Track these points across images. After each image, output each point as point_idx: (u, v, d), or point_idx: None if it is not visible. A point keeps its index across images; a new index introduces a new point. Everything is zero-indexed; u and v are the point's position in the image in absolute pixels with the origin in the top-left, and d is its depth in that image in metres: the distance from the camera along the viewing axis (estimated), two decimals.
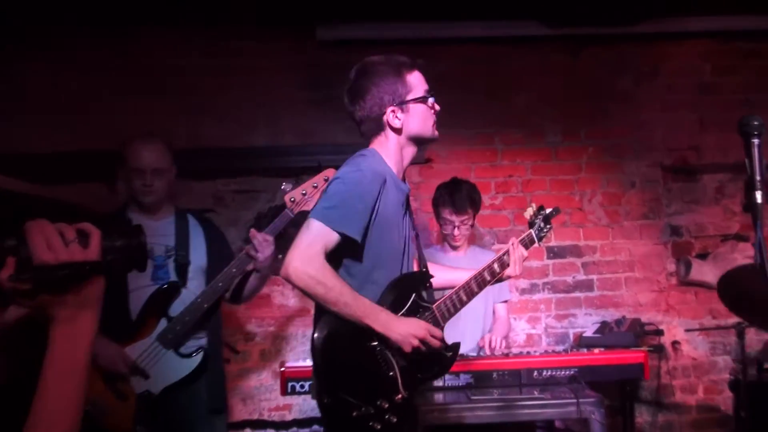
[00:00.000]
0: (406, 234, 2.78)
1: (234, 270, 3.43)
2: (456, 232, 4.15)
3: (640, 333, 4.42)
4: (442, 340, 2.71)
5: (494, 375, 3.74)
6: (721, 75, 5.39)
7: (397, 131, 2.72)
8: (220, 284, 3.42)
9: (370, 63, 2.74)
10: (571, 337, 5.13)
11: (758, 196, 2.25)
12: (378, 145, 2.74)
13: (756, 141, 2.29)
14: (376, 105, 2.69)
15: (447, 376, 3.67)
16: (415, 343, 2.58)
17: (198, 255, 3.57)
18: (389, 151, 2.72)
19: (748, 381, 4.04)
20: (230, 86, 5.08)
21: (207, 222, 3.78)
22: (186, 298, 3.42)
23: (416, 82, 2.72)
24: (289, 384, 3.68)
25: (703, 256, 5.25)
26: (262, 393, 4.97)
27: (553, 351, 4.07)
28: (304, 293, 2.52)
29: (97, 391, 3.24)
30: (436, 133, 2.80)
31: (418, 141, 2.78)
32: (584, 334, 4.34)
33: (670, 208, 5.33)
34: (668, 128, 5.33)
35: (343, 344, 2.55)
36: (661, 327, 4.88)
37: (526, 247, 3.06)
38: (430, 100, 2.74)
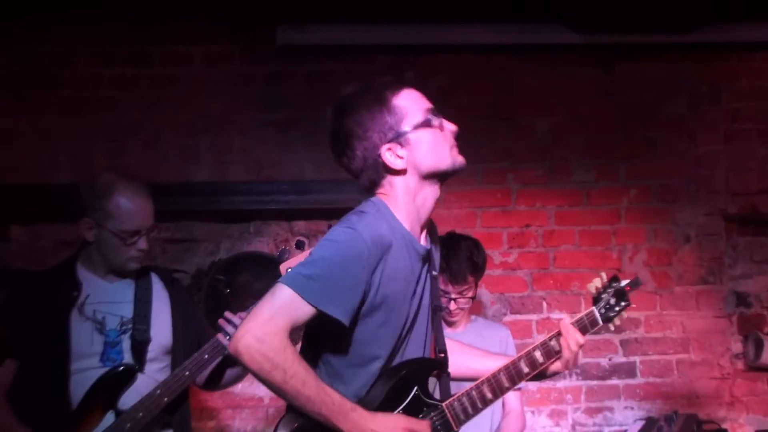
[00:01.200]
0: (418, 309, 2.73)
1: (206, 356, 3.42)
2: (452, 306, 4.11)
3: None
4: None
5: None
6: None
7: (402, 173, 2.67)
8: (187, 373, 3.40)
9: (346, 97, 2.71)
10: None
11: None
12: (384, 196, 2.69)
13: None
14: (368, 149, 2.64)
15: None
16: None
17: (161, 330, 3.55)
18: (398, 202, 2.67)
19: None
20: (164, 102, 5.09)
21: (175, 285, 3.75)
22: (142, 386, 3.39)
23: (409, 104, 2.68)
24: None
25: None
26: None
27: None
28: (257, 378, 2.46)
29: None
30: (460, 159, 2.72)
31: (438, 176, 2.71)
32: None
33: (736, 269, 5.34)
34: (733, 166, 5.36)
35: None
36: (724, 426, 4.86)
37: (584, 331, 2.82)
38: (436, 120, 2.68)
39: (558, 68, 5.32)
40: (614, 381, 5.19)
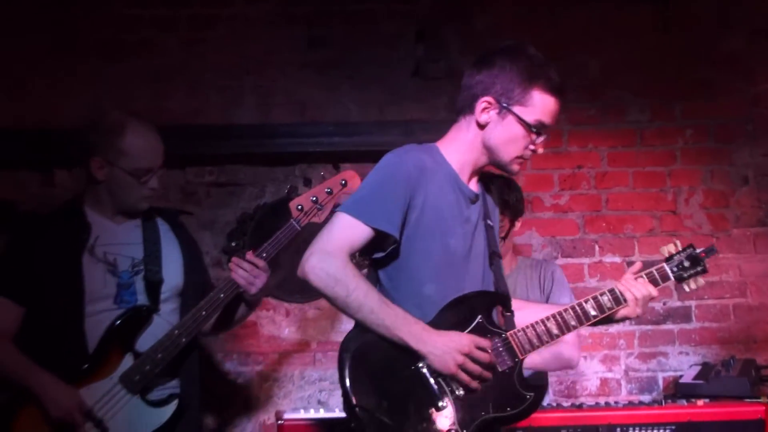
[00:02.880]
0: (470, 250, 2.91)
1: (222, 296, 3.43)
2: None
3: (756, 379, 4.32)
4: (518, 370, 2.80)
5: None
6: None
7: (480, 126, 2.89)
8: (204, 313, 3.40)
9: (520, 49, 2.91)
10: (661, 383, 5.07)
11: None
12: (455, 130, 2.96)
13: None
14: (484, 84, 2.86)
15: None
16: (459, 359, 2.67)
17: (172, 271, 3.55)
18: (460, 144, 2.92)
19: None
20: (205, 44, 5.05)
21: (181, 228, 3.76)
22: (156, 328, 3.40)
23: (540, 105, 2.84)
24: None
25: None
26: None
27: (639, 402, 4.03)
28: (323, 296, 2.72)
29: None
30: (515, 168, 2.94)
31: (491, 157, 2.92)
32: (680, 380, 4.27)
33: None
34: None
35: (379, 361, 2.70)
36: None
37: (656, 284, 3.00)
38: (536, 133, 2.86)
39: (610, 3, 5.20)
40: (669, 326, 5.14)
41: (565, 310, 2.92)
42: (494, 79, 2.84)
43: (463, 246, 2.88)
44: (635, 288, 2.95)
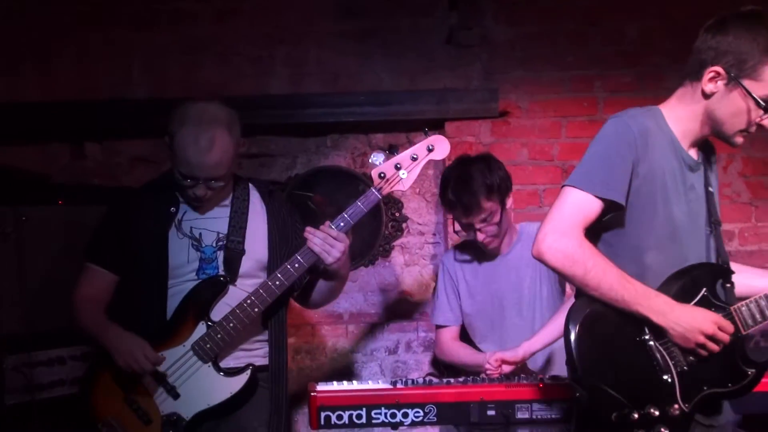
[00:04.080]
0: (691, 217, 2.90)
1: (296, 266, 3.38)
2: (480, 237, 3.89)
3: None
4: (739, 345, 2.81)
5: None
6: None
7: (705, 96, 2.81)
8: (278, 282, 3.38)
9: (758, 18, 2.78)
10: None
11: None
12: (679, 95, 2.89)
13: None
14: (715, 52, 2.77)
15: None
16: (701, 339, 2.70)
17: (256, 245, 3.54)
18: (684, 111, 2.86)
19: None
20: (237, 15, 5.03)
21: (274, 199, 3.71)
22: (234, 300, 3.41)
23: None
24: (322, 414, 3.60)
25: None
26: None
27: None
28: (560, 275, 2.82)
29: (115, 411, 3.31)
30: (738, 140, 2.86)
31: (714, 127, 2.86)
32: None
33: None
34: None
35: (606, 332, 2.74)
36: None
37: None
38: (761, 112, 2.77)
39: None
40: None
41: None
42: (726, 48, 2.75)
43: (687, 214, 2.87)
44: None
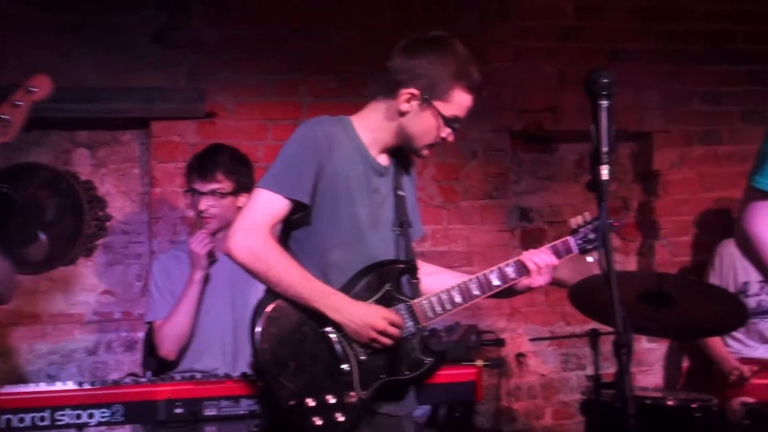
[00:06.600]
0: (378, 218, 3.10)
1: None
2: (201, 204, 3.98)
3: (475, 343, 4.57)
4: (419, 336, 3.02)
5: None
6: (584, 18, 5.62)
7: (399, 114, 3.03)
8: None
9: (449, 44, 3.09)
10: None
11: (604, 172, 2.38)
12: (372, 108, 3.11)
13: (604, 103, 2.42)
14: (410, 74, 3.00)
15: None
16: (372, 334, 2.89)
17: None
18: (375, 122, 3.08)
19: (602, 401, 4.17)
20: None
21: None
22: None
23: (459, 102, 3.03)
24: (3, 417, 3.51)
25: None
26: None
27: None
28: (246, 271, 2.91)
29: None
30: (425, 153, 3.13)
31: (404, 140, 3.09)
32: None
33: (520, 185, 5.54)
34: (520, 83, 5.51)
35: (289, 325, 2.91)
36: (503, 336, 5.08)
37: (558, 257, 3.21)
38: (447, 129, 3.04)
39: None
40: None
41: (470, 280, 3.11)
42: (421, 71, 2.99)
43: (371, 215, 3.07)
44: (538, 258, 3.16)
